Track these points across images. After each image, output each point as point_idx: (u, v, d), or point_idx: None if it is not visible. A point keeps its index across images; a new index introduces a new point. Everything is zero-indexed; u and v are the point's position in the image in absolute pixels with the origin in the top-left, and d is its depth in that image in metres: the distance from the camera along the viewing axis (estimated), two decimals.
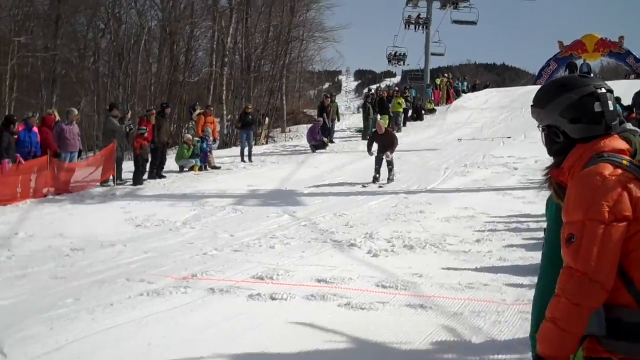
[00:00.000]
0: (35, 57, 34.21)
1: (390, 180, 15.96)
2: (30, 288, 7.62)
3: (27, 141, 14.94)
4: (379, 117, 29.00)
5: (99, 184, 16.59)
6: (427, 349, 5.56)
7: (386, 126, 28.29)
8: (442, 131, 28.58)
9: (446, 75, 42.14)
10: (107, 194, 15.35)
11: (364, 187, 15.38)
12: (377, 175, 15.96)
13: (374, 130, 18.24)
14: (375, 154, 16.18)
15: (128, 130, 17.66)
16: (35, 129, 15.46)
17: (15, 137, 14.62)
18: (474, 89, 44.43)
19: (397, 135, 27.97)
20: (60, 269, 8.55)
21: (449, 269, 8.29)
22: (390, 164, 16.07)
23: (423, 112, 34.06)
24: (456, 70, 68.85)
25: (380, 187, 15.38)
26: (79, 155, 16.85)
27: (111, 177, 16.96)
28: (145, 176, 17.17)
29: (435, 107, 36.09)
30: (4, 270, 8.47)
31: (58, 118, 17.05)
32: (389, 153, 15.94)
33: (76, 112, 17.42)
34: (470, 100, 37.88)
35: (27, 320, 6.29)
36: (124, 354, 5.48)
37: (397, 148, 15.06)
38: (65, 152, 15.94)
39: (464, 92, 42.06)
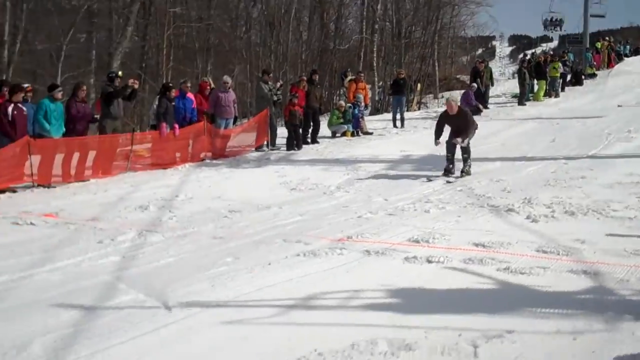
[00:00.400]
0: (189, 27, 35.10)
1: (464, 173, 12.51)
2: (191, 247, 7.86)
3: (181, 107, 15.35)
4: (535, 82, 28.11)
5: (253, 149, 16.94)
6: (593, 311, 5.26)
7: (542, 93, 27.55)
8: (602, 96, 27.19)
9: (607, 38, 40.04)
10: (261, 159, 15.67)
11: (429, 180, 12.28)
12: (451, 166, 12.60)
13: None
14: (445, 140, 12.89)
15: (276, 99, 17.84)
16: (190, 95, 15.90)
17: (172, 103, 15.10)
18: (636, 52, 42.12)
19: (554, 100, 27.08)
20: (219, 230, 8.78)
21: (613, 235, 7.84)
22: (465, 151, 12.61)
23: (582, 76, 32.63)
24: (617, 34, 65.44)
25: (447, 182, 12.08)
26: (234, 122, 17.20)
27: (265, 142, 17.24)
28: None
29: (596, 72, 34.48)
30: (166, 230, 8.78)
31: (213, 85, 17.49)
32: (459, 139, 12.45)
33: (230, 80, 17.75)
34: (632, 64, 35.95)
35: (190, 277, 6.48)
36: (284, 309, 5.52)
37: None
38: (220, 119, 16.31)
39: (626, 55, 39.95)
